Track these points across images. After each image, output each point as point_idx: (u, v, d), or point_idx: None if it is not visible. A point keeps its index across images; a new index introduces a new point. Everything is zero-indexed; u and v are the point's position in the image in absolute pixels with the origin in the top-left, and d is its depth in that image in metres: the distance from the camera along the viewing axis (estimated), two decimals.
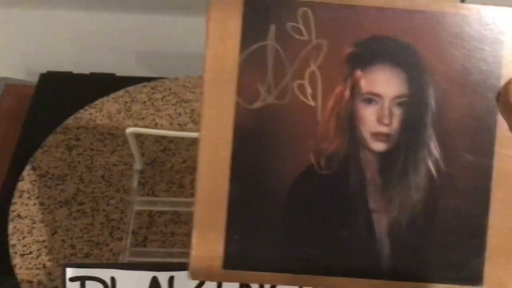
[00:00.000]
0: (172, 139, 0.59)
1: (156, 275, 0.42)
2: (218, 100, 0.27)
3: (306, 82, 0.27)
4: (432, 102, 0.27)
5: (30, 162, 0.56)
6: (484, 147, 0.27)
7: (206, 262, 0.27)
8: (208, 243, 0.27)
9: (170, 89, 0.65)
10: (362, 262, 0.27)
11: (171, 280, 0.43)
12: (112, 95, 0.63)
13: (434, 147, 0.27)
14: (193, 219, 0.27)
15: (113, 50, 0.72)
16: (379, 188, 0.27)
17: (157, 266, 0.42)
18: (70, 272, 0.41)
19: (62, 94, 0.66)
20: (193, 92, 0.65)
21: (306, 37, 0.26)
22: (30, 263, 0.49)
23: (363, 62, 0.27)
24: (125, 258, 0.49)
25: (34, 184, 0.54)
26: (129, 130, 0.43)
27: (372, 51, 0.27)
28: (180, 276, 0.43)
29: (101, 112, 0.62)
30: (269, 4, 0.26)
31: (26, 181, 0.54)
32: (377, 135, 0.27)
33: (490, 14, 0.27)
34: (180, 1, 0.67)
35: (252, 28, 0.26)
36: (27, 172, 0.55)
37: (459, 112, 0.27)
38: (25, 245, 0.50)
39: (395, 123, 0.27)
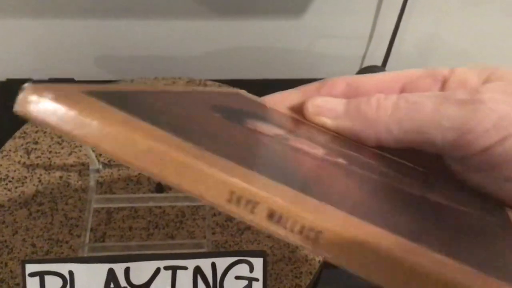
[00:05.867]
0: None
1: (112, 267, 0.44)
2: None
3: None
4: None
5: None
6: None
7: None
8: None
9: None
10: None
11: (127, 270, 0.45)
12: None
13: None
14: None
15: (70, 56, 0.73)
16: None
17: (113, 258, 0.44)
18: (29, 268, 0.42)
19: None
20: None
21: None
22: None
23: None
24: (84, 253, 0.49)
25: None
26: None
27: None
28: (136, 267, 0.45)
29: None
30: None
31: None
32: None
33: None
34: (134, 6, 0.68)
35: None
36: None
37: None
38: None
39: None
